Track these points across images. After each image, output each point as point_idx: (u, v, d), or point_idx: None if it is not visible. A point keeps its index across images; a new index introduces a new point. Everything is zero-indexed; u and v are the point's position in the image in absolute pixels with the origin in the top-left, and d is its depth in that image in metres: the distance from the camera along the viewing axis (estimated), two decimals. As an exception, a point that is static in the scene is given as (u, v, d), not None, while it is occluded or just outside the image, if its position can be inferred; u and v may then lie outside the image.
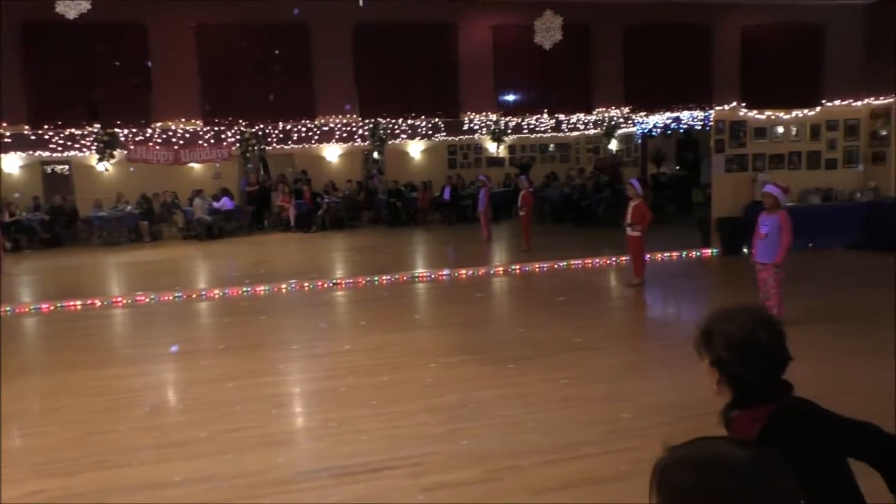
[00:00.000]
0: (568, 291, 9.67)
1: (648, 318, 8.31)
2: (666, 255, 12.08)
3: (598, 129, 19.66)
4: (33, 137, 16.26)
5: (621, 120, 17.14)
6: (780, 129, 12.61)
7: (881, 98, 12.82)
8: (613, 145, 20.13)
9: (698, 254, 12.05)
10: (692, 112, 15.38)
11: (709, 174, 13.31)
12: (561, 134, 21.27)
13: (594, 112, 14.53)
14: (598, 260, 11.79)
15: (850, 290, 9.00)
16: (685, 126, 17.91)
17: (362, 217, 19.54)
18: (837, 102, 13.12)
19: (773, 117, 12.60)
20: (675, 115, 16.63)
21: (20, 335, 8.94)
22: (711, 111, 13.21)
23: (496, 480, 4.07)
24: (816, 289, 9.19)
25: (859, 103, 13.03)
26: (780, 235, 6.99)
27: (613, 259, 11.87)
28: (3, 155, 17.40)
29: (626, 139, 20.99)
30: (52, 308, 9.92)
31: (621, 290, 10.29)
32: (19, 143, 16.53)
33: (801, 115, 12.75)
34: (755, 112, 12.65)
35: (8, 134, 16.09)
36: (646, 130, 19.24)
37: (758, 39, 13.65)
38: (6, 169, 18.33)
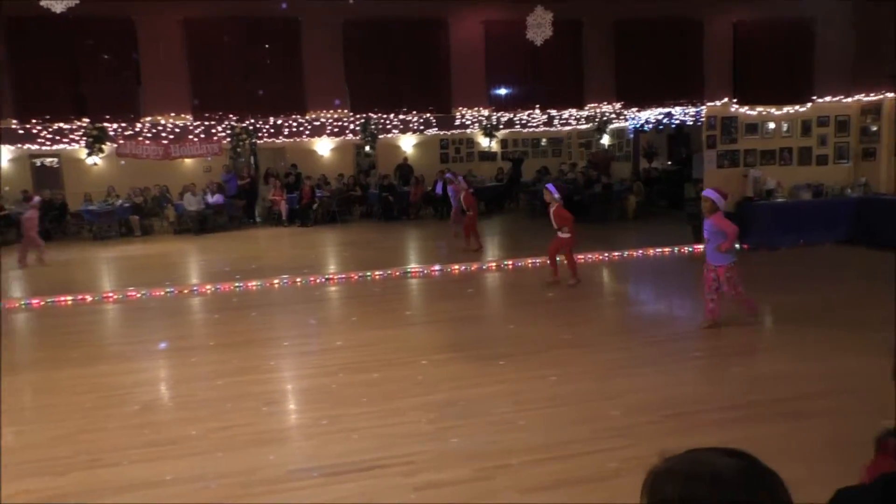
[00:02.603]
0: (558, 288, 9.68)
1: (637, 315, 8.33)
2: (657, 250, 12.11)
3: (590, 124, 19.70)
4: (21, 131, 16.15)
5: (613, 115, 17.17)
6: (772, 125, 12.66)
7: (871, 94, 12.87)
8: (605, 140, 20.17)
9: (690, 249, 12.09)
10: (684, 108, 15.40)
11: (701, 169, 13.34)
12: (553, 129, 21.28)
13: (586, 107, 14.53)
14: (589, 255, 11.81)
15: (840, 286, 9.06)
16: (677, 121, 17.96)
17: (354, 211, 19.51)
18: (828, 98, 13.17)
19: (764, 113, 12.65)
20: (666, 110, 16.66)
21: (10, 331, 8.89)
22: (703, 107, 13.24)
23: (487, 479, 4.09)
24: (807, 284, 9.25)
25: (850, 99, 13.08)
26: (721, 238, 6.88)
27: (605, 255, 11.89)
28: (-9, 148, 17.28)
29: (618, 134, 21.02)
30: (42, 303, 9.87)
31: (612, 287, 10.33)
32: (7, 137, 16.39)
33: (792, 111, 12.80)
34: (747, 108, 12.69)
35: (-5, 128, 15.99)
36: (638, 125, 19.28)
37: (749, 35, 13.66)
38: (-6, 162, 18.22)
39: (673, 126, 18.69)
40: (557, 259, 9.87)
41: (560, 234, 9.61)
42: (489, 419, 5.00)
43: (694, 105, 14.31)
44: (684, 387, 5.57)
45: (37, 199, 14.11)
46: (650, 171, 20.10)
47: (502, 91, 13.72)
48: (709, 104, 13.04)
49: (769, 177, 12.37)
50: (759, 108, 12.66)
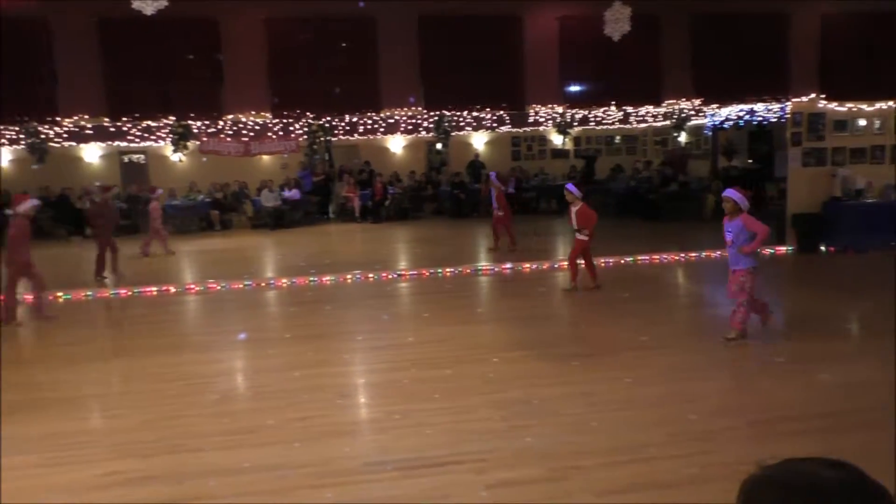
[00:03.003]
0: (633, 288, 9.50)
1: (715, 318, 8.07)
2: (736, 251, 11.70)
3: (668, 121, 19.24)
4: (112, 129, 16.96)
5: (691, 112, 16.70)
6: (863, 122, 12.05)
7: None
8: (682, 138, 19.65)
9: (771, 251, 11.65)
10: (767, 104, 14.86)
11: (783, 168, 12.83)
12: (628, 126, 20.85)
13: (663, 104, 14.22)
14: (664, 256, 11.54)
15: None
16: (759, 118, 17.32)
17: (425, 208, 19.63)
18: (925, 93, 12.46)
19: (854, 109, 12.05)
20: (748, 106, 16.10)
21: (99, 319, 9.35)
22: (788, 102, 12.74)
23: (560, 480, 4.05)
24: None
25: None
26: (746, 240, 6.55)
27: (682, 255, 11.59)
28: (84, 145, 18.17)
29: (696, 131, 20.41)
30: (129, 294, 10.33)
31: (688, 287, 10.06)
32: (100, 134, 17.23)
33: (884, 106, 12.14)
34: (835, 104, 12.12)
35: (89, 125, 16.84)
36: (717, 122, 18.67)
37: (839, 27, 13.08)
38: (87, 158, 19.13)
39: (754, 123, 18.04)
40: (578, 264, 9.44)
41: (578, 236, 9.29)
42: (562, 419, 4.95)
43: (778, 101, 13.81)
44: (765, 393, 5.38)
45: (159, 191, 14.55)
46: (729, 169, 19.43)
47: (577, 87, 13.55)
48: (794, 100, 12.57)
49: (859, 176, 11.79)
50: (849, 104, 12.07)
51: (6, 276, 8.70)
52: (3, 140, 17.09)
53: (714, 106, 15.47)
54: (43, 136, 16.90)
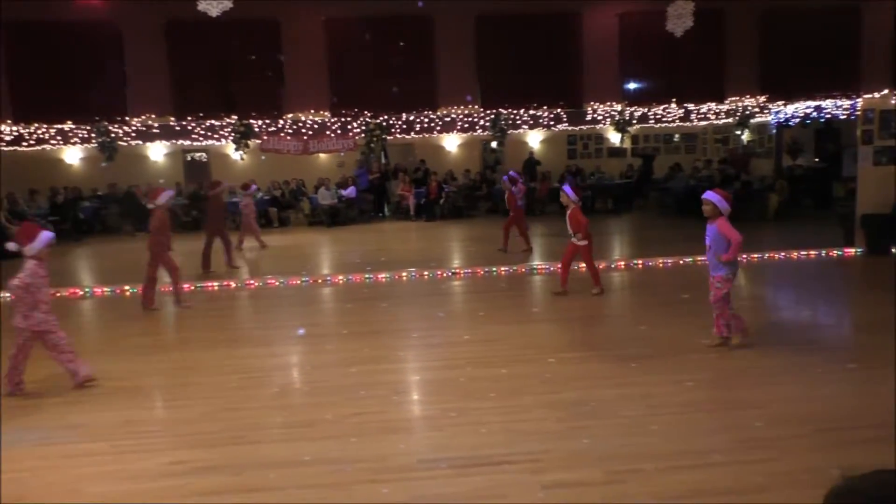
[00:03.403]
0: (693, 289, 9.26)
1: (780, 321, 7.83)
2: (802, 253, 11.34)
3: (730, 118, 18.74)
4: (178, 128, 17.48)
5: (756, 109, 16.20)
6: (939, 119, 11.49)
7: None
8: (745, 135, 19.12)
9: (839, 253, 11.23)
10: (836, 100, 14.31)
11: (852, 167, 12.35)
12: (688, 124, 20.40)
13: (726, 101, 13.84)
14: (726, 256, 11.22)
15: None
16: (826, 115, 16.72)
17: (480, 207, 19.61)
18: None
19: (931, 106, 11.51)
20: (815, 103, 15.56)
21: (163, 313, 9.63)
22: (859, 99, 12.24)
23: (619, 483, 3.98)
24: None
25: None
26: (723, 246, 6.36)
27: (743, 256, 11.26)
28: (149, 144, 18.77)
29: (759, 129, 19.82)
30: (191, 288, 10.60)
31: (751, 290, 9.77)
32: (165, 133, 17.79)
33: (964, 103, 11.57)
34: (910, 100, 11.60)
35: (156, 125, 17.39)
36: (781, 120, 18.10)
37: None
38: (152, 157, 19.76)
39: (822, 120, 17.42)
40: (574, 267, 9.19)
41: (574, 241, 9.04)
42: (620, 421, 4.87)
43: (848, 97, 13.27)
44: (835, 399, 5.18)
45: (253, 187, 14.89)
46: (794, 168, 18.84)
47: (637, 84, 13.31)
48: (865, 96, 12.05)
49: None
50: (926, 101, 11.54)
51: (149, 265, 9.15)
52: (75, 139, 17.78)
53: (779, 102, 14.97)
54: (113, 135, 17.52)
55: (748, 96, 13.30)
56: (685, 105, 15.58)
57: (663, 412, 5.00)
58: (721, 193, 6.58)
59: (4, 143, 17.59)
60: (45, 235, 5.93)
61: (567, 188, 9.27)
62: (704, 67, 12.73)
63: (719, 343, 6.50)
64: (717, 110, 17.75)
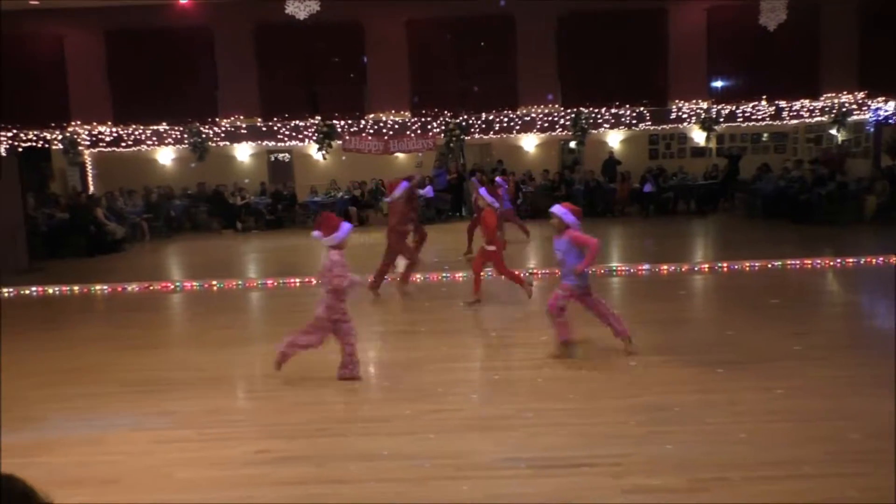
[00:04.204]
0: (783, 294, 8.91)
1: (878, 329, 7.41)
2: (903, 258, 10.70)
3: (825, 116, 17.87)
4: (264, 129, 18.06)
5: (853, 106, 15.36)
6: None
7: None
8: (840, 134, 18.19)
9: (944, 258, 10.53)
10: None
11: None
12: (777, 122, 19.55)
13: (821, 97, 13.18)
14: (817, 260, 10.74)
15: None
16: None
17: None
18: None
19: None
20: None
21: (248, 307, 9.97)
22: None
23: (703, 491, 3.86)
24: None
25: None
26: (576, 257, 6.28)
27: (837, 261, 10.74)
28: (236, 144, 19.46)
29: (855, 128, 18.83)
30: (275, 284, 10.93)
31: (846, 296, 9.29)
32: (252, 134, 18.43)
33: None
34: None
35: (244, 126, 18.01)
36: (881, 118, 17.14)
37: None
38: (239, 157, 20.48)
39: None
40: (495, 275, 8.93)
41: (485, 247, 8.73)
42: (704, 428, 4.72)
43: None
44: (941, 414, 4.85)
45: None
46: (894, 168, 17.78)
47: (725, 82, 12.85)
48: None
49: None
50: None
51: (386, 254, 9.65)
52: (169, 139, 18.62)
53: (879, 99, 14.14)
54: (204, 136, 18.26)
55: (845, 93, 12.61)
56: (776, 102, 14.91)
57: (750, 420, 4.81)
58: (568, 207, 6.59)
59: (104, 144, 18.59)
60: (347, 226, 6.08)
61: (483, 190, 8.97)
62: (798, 63, 12.15)
63: (561, 353, 6.46)
64: (811, 107, 16.91)
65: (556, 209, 6.61)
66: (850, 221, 14.90)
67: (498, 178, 13.99)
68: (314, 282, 10.96)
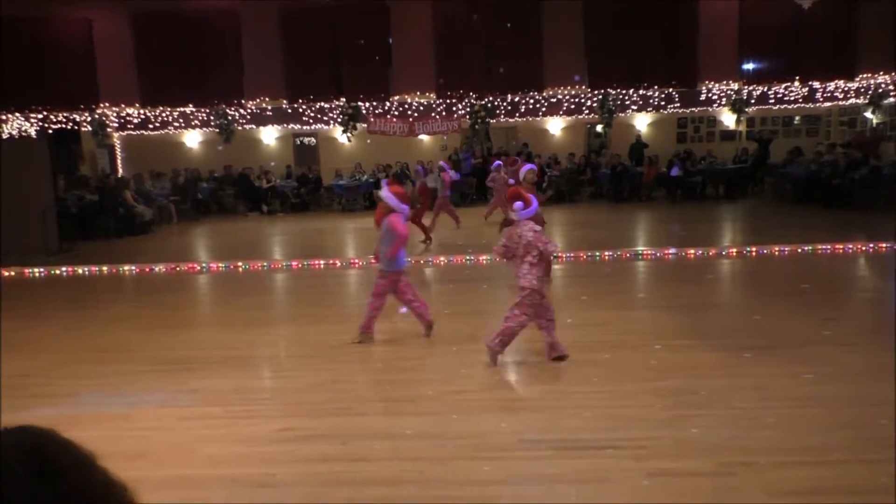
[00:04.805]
0: (813, 279, 8.75)
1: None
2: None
3: (860, 98, 17.44)
4: (289, 111, 18.11)
5: (890, 87, 14.93)
6: None
7: None
8: (874, 117, 17.75)
9: (982, 244, 10.26)
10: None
11: None
12: (810, 105, 19.13)
13: (857, 78, 12.84)
14: (849, 246, 10.53)
15: None
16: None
17: (583, 191, 19.23)
18: None
19: None
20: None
21: (273, 288, 10.03)
22: None
23: (729, 475, 3.81)
24: None
25: None
26: (391, 241, 6.23)
27: (870, 245, 10.52)
28: (262, 128, 19.56)
29: (891, 110, 18.35)
30: (300, 266, 10.99)
31: (878, 282, 9.10)
32: (277, 117, 18.51)
33: None
34: None
35: (269, 108, 18.07)
36: (918, 100, 16.67)
37: None
38: (265, 140, 20.58)
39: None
40: None
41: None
42: (731, 413, 4.65)
43: None
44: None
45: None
46: (931, 152, 17.33)
47: (757, 63, 12.57)
48: None
49: None
50: None
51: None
52: (196, 121, 18.76)
53: (917, 80, 13.75)
54: (230, 118, 18.38)
55: (882, 73, 12.25)
56: (810, 83, 14.51)
57: (779, 405, 4.73)
58: (396, 191, 6.45)
59: (132, 126, 18.79)
60: (535, 201, 6.10)
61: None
62: (833, 42, 11.81)
63: (361, 339, 6.53)
64: (846, 88, 16.49)
65: (385, 193, 6.49)
66: (883, 207, 14.56)
67: (442, 163, 13.91)
68: (337, 263, 11.00)
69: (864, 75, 12.43)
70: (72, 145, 18.91)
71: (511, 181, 11.07)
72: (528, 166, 9.58)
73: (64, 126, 18.77)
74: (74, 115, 18.69)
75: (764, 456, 4.00)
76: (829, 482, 3.69)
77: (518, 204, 6.00)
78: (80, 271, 11.27)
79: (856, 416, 4.53)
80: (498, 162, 14.26)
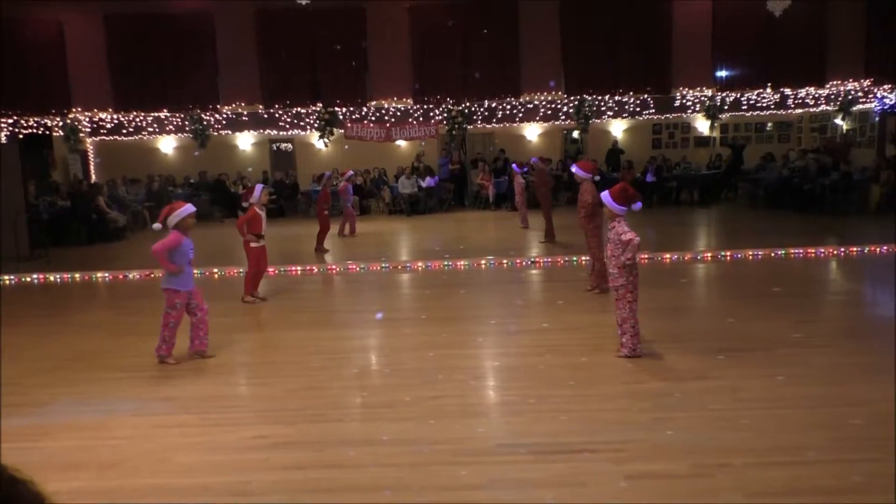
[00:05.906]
0: (786, 282, 8.87)
1: (880, 318, 7.36)
2: (907, 247, 10.64)
3: (830, 104, 17.75)
4: (265, 116, 17.97)
5: (859, 94, 15.21)
6: None
7: None
8: (845, 123, 18.08)
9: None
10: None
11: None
12: (782, 111, 19.42)
13: (827, 85, 13.07)
14: (821, 249, 10.69)
15: None
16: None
17: (560, 197, 19.32)
18: None
19: None
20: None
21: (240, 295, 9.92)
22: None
23: (706, 477, 3.83)
24: None
25: None
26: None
27: (841, 249, 10.69)
28: (238, 133, 19.38)
29: (860, 117, 18.71)
30: (276, 272, 10.90)
31: (847, 285, 9.25)
32: (253, 122, 18.35)
33: None
34: None
35: (245, 113, 17.93)
36: (886, 106, 17.02)
37: None
38: (241, 146, 20.40)
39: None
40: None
41: (252, 244, 8.72)
42: (707, 414, 4.69)
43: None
44: (945, 401, 4.81)
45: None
46: (899, 158, 17.67)
47: (729, 69, 12.74)
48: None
49: None
50: None
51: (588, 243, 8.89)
52: (170, 126, 18.54)
53: (885, 87, 14.01)
54: (205, 123, 18.18)
55: (851, 80, 12.48)
56: (781, 90, 14.77)
57: (753, 406, 4.78)
58: (181, 205, 6.82)
59: (105, 132, 18.53)
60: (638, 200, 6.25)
61: (259, 187, 8.74)
62: (804, 49, 12.02)
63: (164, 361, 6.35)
64: (817, 95, 16.78)
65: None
66: (854, 211, 14.83)
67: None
68: (314, 270, 10.91)
69: (835, 82, 12.65)
70: (43, 150, 18.60)
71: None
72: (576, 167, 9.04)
73: (35, 131, 18.44)
74: (46, 120, 18.38)
75: (740, 457, 4.04)
76: (805, 482, 3.73)
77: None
78: (52, 278, 11.08)
79: (829, 417, 4.59)
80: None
